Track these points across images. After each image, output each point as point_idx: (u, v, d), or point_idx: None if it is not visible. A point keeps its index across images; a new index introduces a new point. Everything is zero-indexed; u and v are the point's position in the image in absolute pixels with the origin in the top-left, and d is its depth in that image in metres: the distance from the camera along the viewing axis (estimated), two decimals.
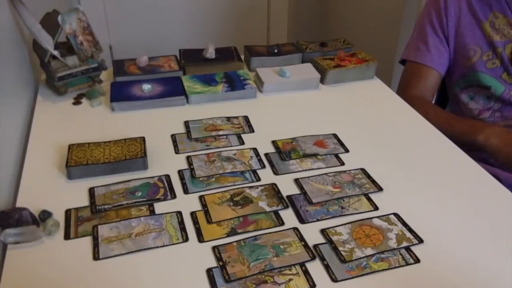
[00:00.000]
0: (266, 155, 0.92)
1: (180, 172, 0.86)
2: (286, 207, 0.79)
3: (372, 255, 0.70)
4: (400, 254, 0.70)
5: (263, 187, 0.83)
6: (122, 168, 0.85)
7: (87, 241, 0.71)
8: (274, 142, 0.95)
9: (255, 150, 0.93)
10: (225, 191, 0.82)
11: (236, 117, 1.03)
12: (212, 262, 0.68)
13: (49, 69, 1.05)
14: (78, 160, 0.84)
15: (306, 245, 0.71)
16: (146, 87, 1.08)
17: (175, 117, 1.03)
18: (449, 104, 1.37)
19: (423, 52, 1.25)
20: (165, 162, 0.89)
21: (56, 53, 1.03)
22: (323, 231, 0.74)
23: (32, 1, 1.03)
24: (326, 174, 0.87)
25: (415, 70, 1.27)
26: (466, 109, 1.27)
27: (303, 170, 0.88)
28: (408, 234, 0.74)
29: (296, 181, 0.85)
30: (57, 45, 1.04)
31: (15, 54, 1.06)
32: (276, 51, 1.24)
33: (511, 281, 0.67)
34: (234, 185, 0.84)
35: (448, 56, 1.25)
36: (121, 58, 1.21)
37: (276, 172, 0.87)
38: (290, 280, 0.66)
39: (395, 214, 0.78)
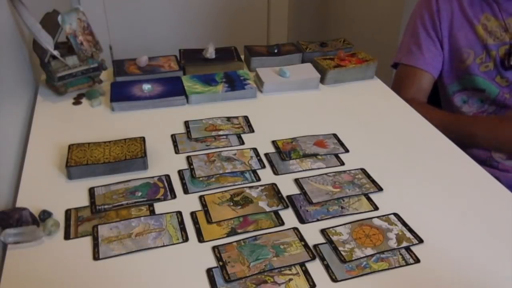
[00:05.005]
0: (266, 155, 0.92)
1: (180, 172, 0.86)
2: (286, 207, 0.79)
3: (372, 255, 0.70)
4: (400, 254, 0.70)
5: (263, 187, 0.83)
6: (122, 168, 0.85)
7: (87, 241, 0.71)
8: (274, 142, 0.95)
9: (255, 150, 0.93)
10: (225, 191, 0.82)
11: (236, 117, 1.03)
12: (212, 262, 0.68)
13: (49, 69, 1.05)
14: (78, 160, 0.84)
15: (306, 245, 0.71)
16: (146, 87, 1.08)
17: (175, 117, 1.03)
18: (442, 108, 1.35)
19: (416, 54, 1.24)
20: (165, 162, 0.89)
21: (56, 53, 1.03)
22: (323, 231, 0.74)
23: (32, 1, 1.03)
24: (326, 174, 0.87)
25: (408, 73, 1.25)
26: (459, 113, 1.26)
27: (303, 170, 0.88)
28: (408, 234, 0.74)
29: (296, 181, 0.85)
30: (57, 45, 1.04)
31: (15, 54, 1.06)
32: (276, 51, 1.24)
33: (511, 281, 0.67)
34: (234, 185, 0.84)
35: (442, 58, 1.24)
36: (121, 58, 1.21)
37: (276, 172, 0.87)
38: (290, 280, 0.66)
39: (395, 214, 0.78)
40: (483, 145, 1.13)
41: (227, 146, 0.94)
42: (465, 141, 1.00)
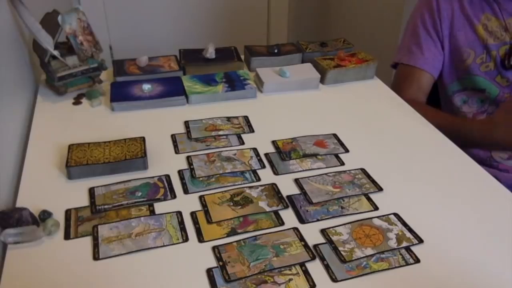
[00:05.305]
0: (266, 155, 0.92)
1: (180, 172, 0.86)
2: (286, 207, 0.79)
3: (372, 255, 0.70)
4: (400, 254, 0.70)
5: (263, 187, 0.83)
6: (122, 168, 0.85)
7: (87, 241, 0.71)
8: (274, 142, 0.95)
9: (255, 150, 0.93)
10: (225, 191, 0.82)
11: (236, 117, 1.03)
12: (212, 262, 0.68)
13: (49, 69, 1.05)
14: (78, 160, 0.84)
15: (306, 245, 0.71)
16: (146, 87, 1.08)
17: (175, 117, 1.03)
18: (441, 108, 1.35)
19: (417, 54, 1.23)
20: (165, 162, 0.89)
21: (56, 53, 1.03)
22: (323, 231, 0.74)
23: (32, 1, 1.03)
24: (326, 174, 0.87)
25: (408, 73, 1.25)
26: (459, 113, 1.26)
27: (303, 170, 0.88)
28: (408, 234, 0.74)
29: (296, 181, 0.85)
30: (57, 45, 1.04)
31: (15, 54, 1.06)
32: (276, 51, 1.24)
33: (511, 281, 0.67)
34: (234, 185, 0.84)
35: (442, 58, 1.24)
36: (121, 58, 1.21)
37: (276, 172, 0.87)
38: (290, 280, 0.66)
39: (395, 214, 0.78)
40: (482, 146, 1.13)
41: (227, 146, 0.94)
42: (464, 142, 1.00)
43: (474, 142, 1.08)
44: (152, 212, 0.77)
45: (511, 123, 1.02)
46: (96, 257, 0.68)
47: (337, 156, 0.92)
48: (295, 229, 0.74)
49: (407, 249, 0.71)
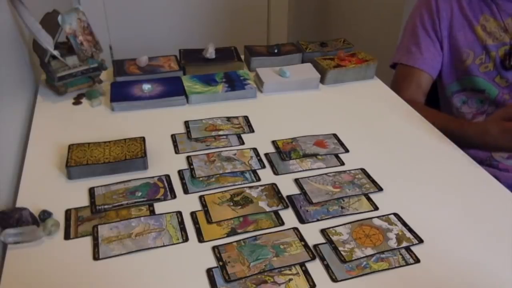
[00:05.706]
0: (266, 155, 0.92)
1: (180, 172, 0.86)
2: (286, 207, 0.79)
3: (372, 255, 0.70)
4: (400, 254, 0.70)
5: (263, 187, 0.83)
6: (122, 168, 0.85)
7: (87, 241, 0.71)
8: (274, 142, 0.95)
9: (255, 150, 0.93)
10: (225, 191, 0.82)
11: (236, 117, 1.03)
12: (212, 262, 0.68)
13: (49, 69, 1.05)
14: (78, 160, 0.84)
15: (306, 245, 0.71)
16: (146, 87, 1.08)
17: (175, 117, 1.03)
18: (440, 109, 1.35)
19: (416, 54, 1.23)
20: (165, 162, 0.89)
21: (56, 53, 1.03)
22: (323, 231, 0.74)
23: (32, 1, 1.03)
24: (326, 174, 0.87)
25: (407, 73, 1.24)
26: (458, 113, 1.26)
27: (303, 170, 0.88)
28: (408, 234, 0.74)
29: (296, 181, 0.85)
30: (57, 45, 1.04)
31: (15, 54, 1.06)
32: (276, 51, 1.24)
33: (511, 281, 0.67)
34: (234, 185, 0.84)
35: (441, 59, 1.23)
36: (121, 58, 1.21)
37: (276, 172, 0.87)
38: (290, 280, 0.66)
39: (395, 214, 0.78)
40: (478, 148, 1.13)
41: (227, 146, 0.94)
42: (462, 143, 1.00)
43: (471, 143, 1.08)
44: (152, 212, 0.77)
45: (503, 130, 1.00)
46: (96, 257, 0.68)
47: (337, 156, 0.92)
48: (295, 229, 0.74)
49: (407, 249, 0.71)
